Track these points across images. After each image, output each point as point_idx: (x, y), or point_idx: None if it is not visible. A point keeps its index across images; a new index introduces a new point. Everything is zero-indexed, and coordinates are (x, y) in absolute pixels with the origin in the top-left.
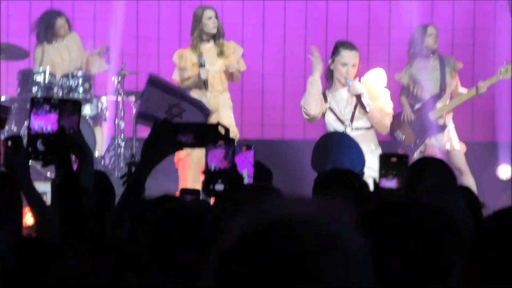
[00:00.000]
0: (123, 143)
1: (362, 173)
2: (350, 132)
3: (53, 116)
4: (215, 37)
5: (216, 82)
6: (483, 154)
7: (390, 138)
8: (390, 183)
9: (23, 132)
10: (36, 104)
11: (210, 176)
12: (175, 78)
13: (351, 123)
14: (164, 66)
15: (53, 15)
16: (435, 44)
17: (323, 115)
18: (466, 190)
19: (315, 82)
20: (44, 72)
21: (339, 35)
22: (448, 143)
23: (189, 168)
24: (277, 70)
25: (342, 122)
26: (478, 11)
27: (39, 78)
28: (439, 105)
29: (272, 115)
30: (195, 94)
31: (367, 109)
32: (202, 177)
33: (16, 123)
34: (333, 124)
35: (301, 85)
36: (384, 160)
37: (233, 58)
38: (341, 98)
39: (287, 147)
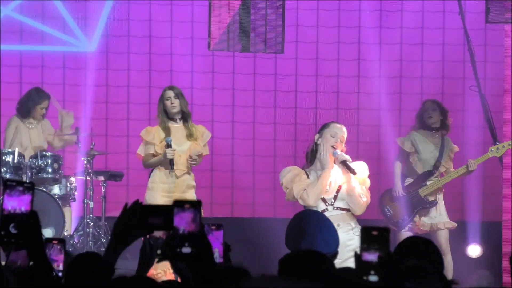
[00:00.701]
0: (92, 222)
1: (336, 253)
2: (332, 211)
3: (26, 197)
4: (184, 118)
5: (181, 162)
6: (454, 232)
7: (381, 213)
8: (372, 257)
9: None
10: (9, 186)
11: (179, 239)
12: (140, 152)
13: (334, 202)
14: (132, 145)
15: (42, 96)
16: (438, 118)
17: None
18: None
19: (327, 177)
20: (13, 153)
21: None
22: (437, 220)
23: None
24: (247, 148)
25: (325, 201)
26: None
27: (8, 158)
28: (429, 182)
29: (242, 194)
30: (160, 172)
31: (356, 171)
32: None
33: None
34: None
35: (270, 164)
36: (366, 233)
37: (200, 142)
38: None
39: (257, 224)
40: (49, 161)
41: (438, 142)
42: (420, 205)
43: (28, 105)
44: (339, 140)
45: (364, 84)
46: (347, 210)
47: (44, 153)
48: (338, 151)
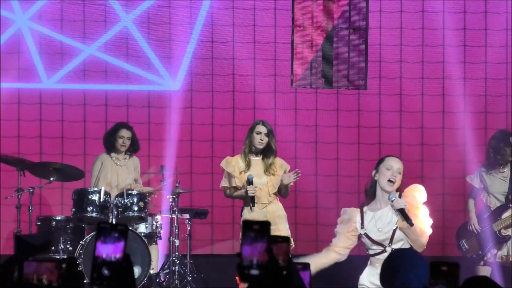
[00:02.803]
0: (178, 261)
1: (426, 286)
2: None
3: (121, 244)
4: (264, 153)
5: (263, 195)
6: None
7: (457, 247)
8: None
9: (78, 251)
10: (103, 231)
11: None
12: (224, 184)
13: (390, 245)
14: (217, 182)
15: (121, 125)
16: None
17: (359, 237)
18: None
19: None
20: (99, 192)
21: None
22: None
23: None
24: (331, 185)
25: (380, 244)
26: None
27: (94, 197)
28: (504, 215)
29: (327, 231)
30: (249, 210)
31: (413, 223)
32: None
33: (71, 242)
34: (370, 247)
35: (355, 201)
36: (435, 268)
37: (280, 172)
38: (381, 217)
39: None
40: (135, 199)
41: (507, 175)
42: (493, 239)
43: (109, 136)
44: (395, 172)
45: (449, 119)
46: None
47: (130, 191)
48: (394, 195)
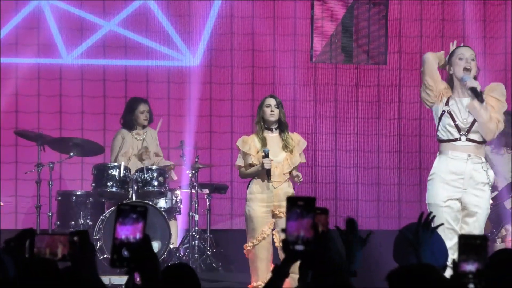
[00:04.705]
0: (197, 235)
1: (445, 266)
2: (464, 141)
3: (140, 225)
4: (280, 127)
5: (278, 173)
6: None
7: None
8: (471, 267)
9: (98, 226)
10: (122, 212)
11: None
12: (239, 163)
13: (467, 134)
14: (236, 158)
15: (137, 100)
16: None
17: (442, 114)
18: None
19: None
20: (119, 167)
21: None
22: None
23: (258, 259)
24: (350, 160)
25: (459, 129)
26: None
27: (114, 172)
28: None
29: (346, 205)
30: (257, 183)
31: (483, 101)
32: (271, 267)
33: (91, 217)
34: (448, 129)
35: (374, 176)
36: (465, 242)
37: (296, 151)
38: (463, 106)
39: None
40: (155, 174)
41: (509, 156)
42: (506, 217)
43: (128, 114)
44: (469, 59)
45: None
46: (480, 143)
47: (150, 166)
48: (468, 76)
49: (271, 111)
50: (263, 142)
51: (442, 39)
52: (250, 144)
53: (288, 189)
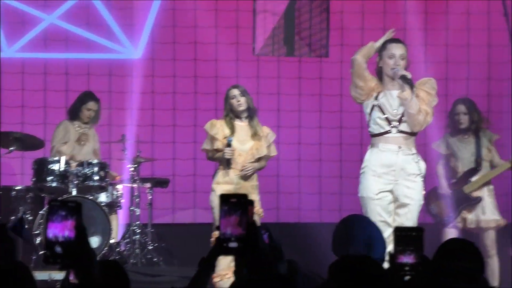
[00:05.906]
0: (139, 230)
1: (383, 259)
2: (395, 133)
3: (69, 222)
4: (250, 116)
5: (241, 161)
6: (503, 234)
7: (426, 211)
8: (407, 259)
9: (38, 221)
10: (52, 209)
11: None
12: (206, 147)
13: (398, 125)
14: (179, 152)
15: (90, 96)
16: (468, 122)
17: (372, 109)
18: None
19: None
20: (59, 161)
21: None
22: (482, 218)
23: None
24: (292, 153)
25: (389, 121)
26: None
27: (54, 167)
28: (474, 178)
29: (288, 199)
30: (224, 173)
31: (413, 86)
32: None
33: (31, 212)
34: (378, 122)
35: (316, 169)
36: (400, 234)
37: (264, 142)
38: (393, 99)
39: (303, 230)
40: (96, 169)
41: (472, 138)
42: (464, 201)
43: (76, 105)
44: (398, 59)
45: None
46: (411, 134)
47: (90, 161)
48: (398, 68)
49: (238, 101)
50: (232, 128)
51: (384, 31)
52: (218, 128)
53: (254, 182)
